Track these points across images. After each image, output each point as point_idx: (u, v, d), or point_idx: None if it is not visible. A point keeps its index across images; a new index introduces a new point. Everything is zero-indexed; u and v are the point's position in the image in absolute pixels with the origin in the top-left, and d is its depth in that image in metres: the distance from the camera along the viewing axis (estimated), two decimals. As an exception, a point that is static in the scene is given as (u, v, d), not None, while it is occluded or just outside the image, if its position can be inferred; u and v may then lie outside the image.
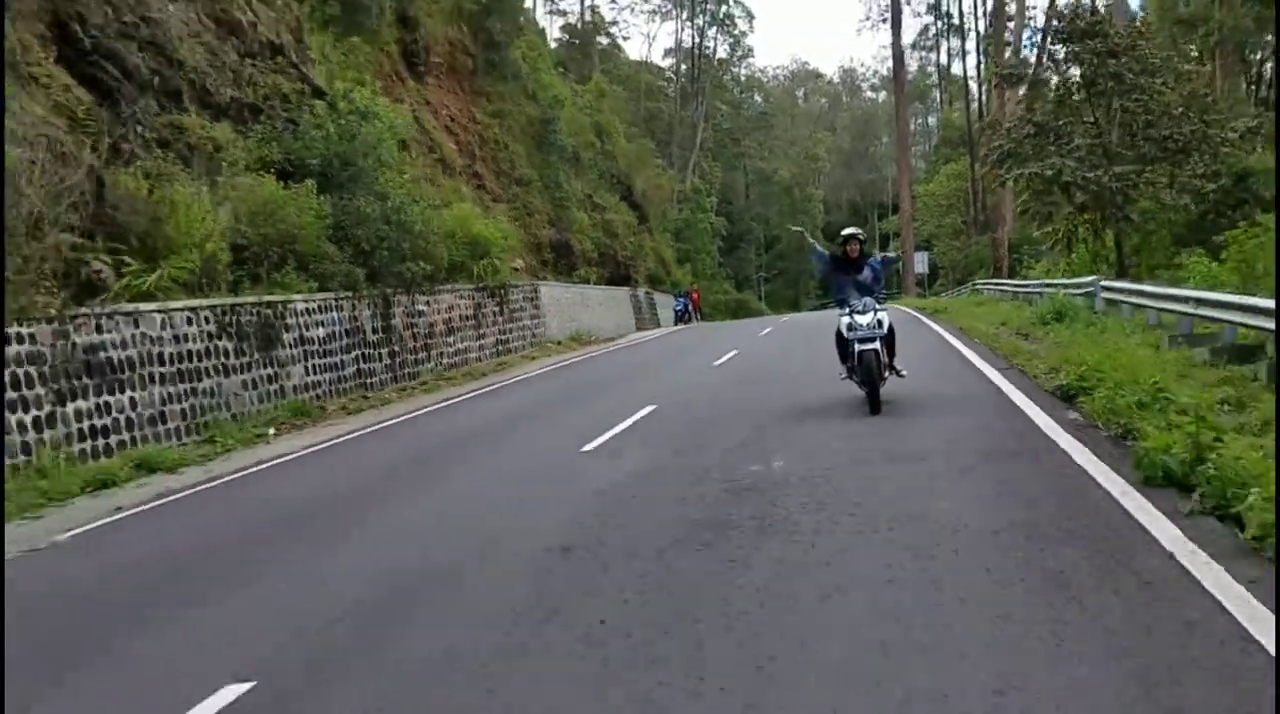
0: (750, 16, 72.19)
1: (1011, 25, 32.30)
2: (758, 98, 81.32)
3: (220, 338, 10.29)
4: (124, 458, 8.14)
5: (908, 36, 59.64)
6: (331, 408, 11.16)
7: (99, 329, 8.76)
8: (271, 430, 9.72)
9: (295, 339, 11.55)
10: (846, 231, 8.61)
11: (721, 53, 71.75)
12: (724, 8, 65.35)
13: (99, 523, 6.25)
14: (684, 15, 67.94)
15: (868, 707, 2.53)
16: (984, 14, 37.54)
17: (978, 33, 41.81)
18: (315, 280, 12.15)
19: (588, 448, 7.02)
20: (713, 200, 59.74)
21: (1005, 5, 31.38)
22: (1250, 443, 4.53)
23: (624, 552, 4.21)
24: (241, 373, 10.53)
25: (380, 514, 5.72)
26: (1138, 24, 18.00)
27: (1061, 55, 16.18)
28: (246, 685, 3.06)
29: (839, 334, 8.11)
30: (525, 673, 3.01)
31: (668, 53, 71.85)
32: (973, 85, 48.88)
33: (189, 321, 9.87)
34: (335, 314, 12.46)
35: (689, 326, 28.60)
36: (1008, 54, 29.32)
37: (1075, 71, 16.68)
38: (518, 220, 24.12)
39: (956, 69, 58.16)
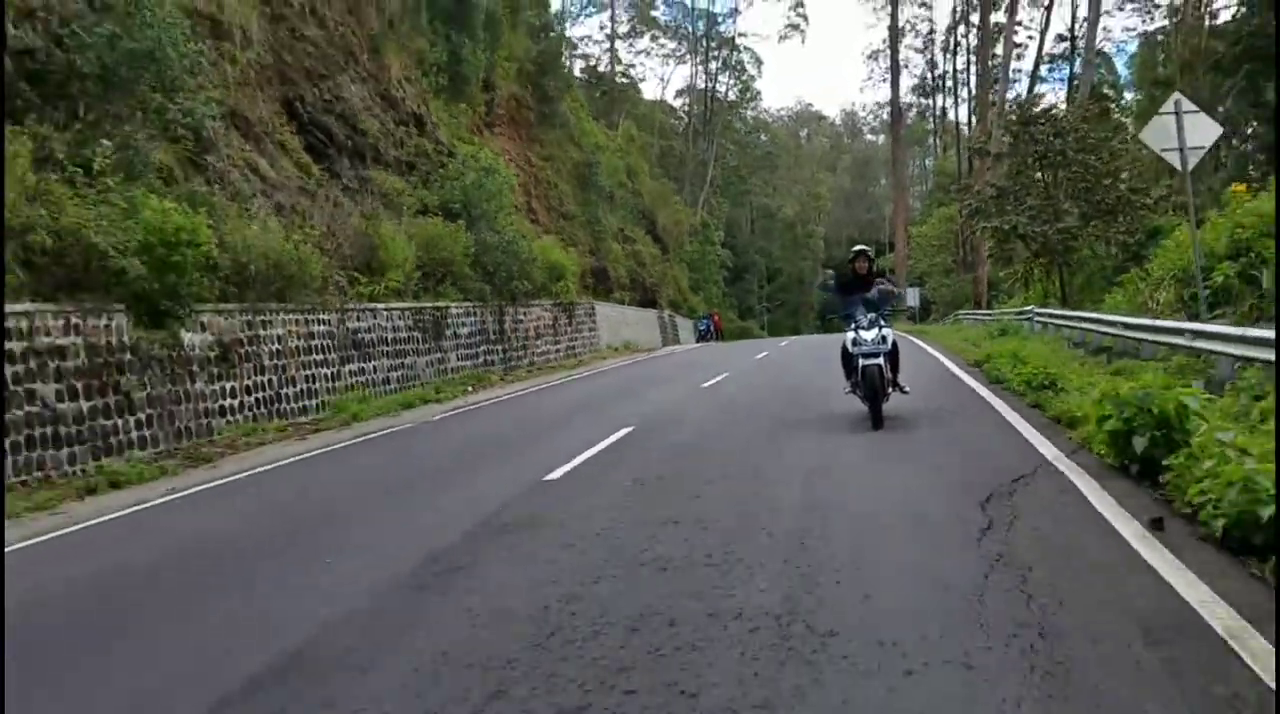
0: (759, 62, 77.74)
1: (996, 87, 37.52)
2: (763, 137, 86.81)
3: (414, 330, 15.05)
4: (388, 400, 12.84)
5: (906, 82, 64.85)
6: (494, 378, 15.91)
7: (357, 319, 13.52)
8: (469, 387, 14.45)
9: (452, 333, 16.32)
10: (855, 248, 9.05)
11: (731, 95, 76.99)
12: (735, 55, 70.88)
13: (431, 418, 10.94)
14: (698, 60, 73.36)
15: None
16: (974, 74, 42.83)
17: (969, 89, 47.12)
18: (462, 293, 16.93)
19: (667, 405, 11.71)
20: (720, 234, 64.68)
21: (991, 74, 36.62)
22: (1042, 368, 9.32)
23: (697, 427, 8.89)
24: (424, 355, 15.27)
25: (570, 423, 10.35)
26: (1084, 109, 23.04)
27: (1014, 138, 21.18)
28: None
29: (844, 349, 8.37)
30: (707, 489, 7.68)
31: (679, 93, 77.25)
32: (965, 131, 54.22)
33: (399, 317, 14.63)
34: (473, 318, 17.23)
35: (710, 344, 33.36)
36: (989, 117, 34.45)
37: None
38: (564, 250, 29.00)
39: (951, 116, 63.56)
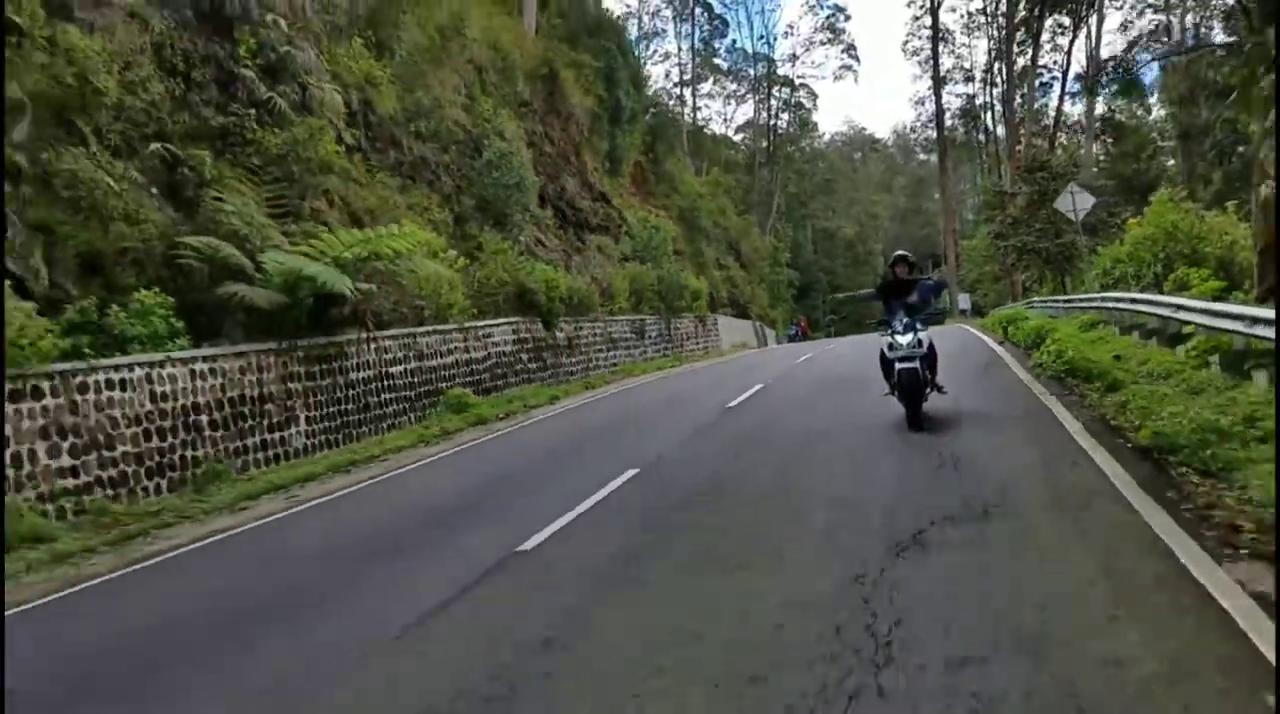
0: (814, 96, 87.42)
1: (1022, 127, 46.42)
2: (821, 164, 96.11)
3: (630, 332, 24.82)
4: (629, 368, 22.58)
5: (950, 100, 73.28)
6: (669, 362, 25.59)
7: (608, 326, 23.34)
8: (664, 366, 24.17)
9: (647, 336, 26.02)
10: (896, 253, 9.62)
11: (791, 129, 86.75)
12: (794, 95, 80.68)
13: (660, 377, 20.56)
14: (759, 99, 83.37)
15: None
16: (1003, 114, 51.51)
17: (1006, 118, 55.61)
18: (651, 310, 26.65)
19: (771, 378, 21.11)
20: (786, 255, 74.13)
21: (1017, 115, 45.52)
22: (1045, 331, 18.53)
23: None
24: (635, 347, 24.96)
25: (735, 379, 19.75)
26: (1074, 158, 32.06)
27: (1024, 182, 30.35)
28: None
29: (882, 354, 8.81)
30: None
31: (739, 129, 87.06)
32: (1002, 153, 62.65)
33: (625, 325, 24.40)
34: (657, 326, 26.91)
35: (797, 343, 42.63)
36: (1012, 158, 43.36)
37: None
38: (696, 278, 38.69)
39: (992, 137, 71.91)
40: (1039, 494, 6.01)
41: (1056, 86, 47.51)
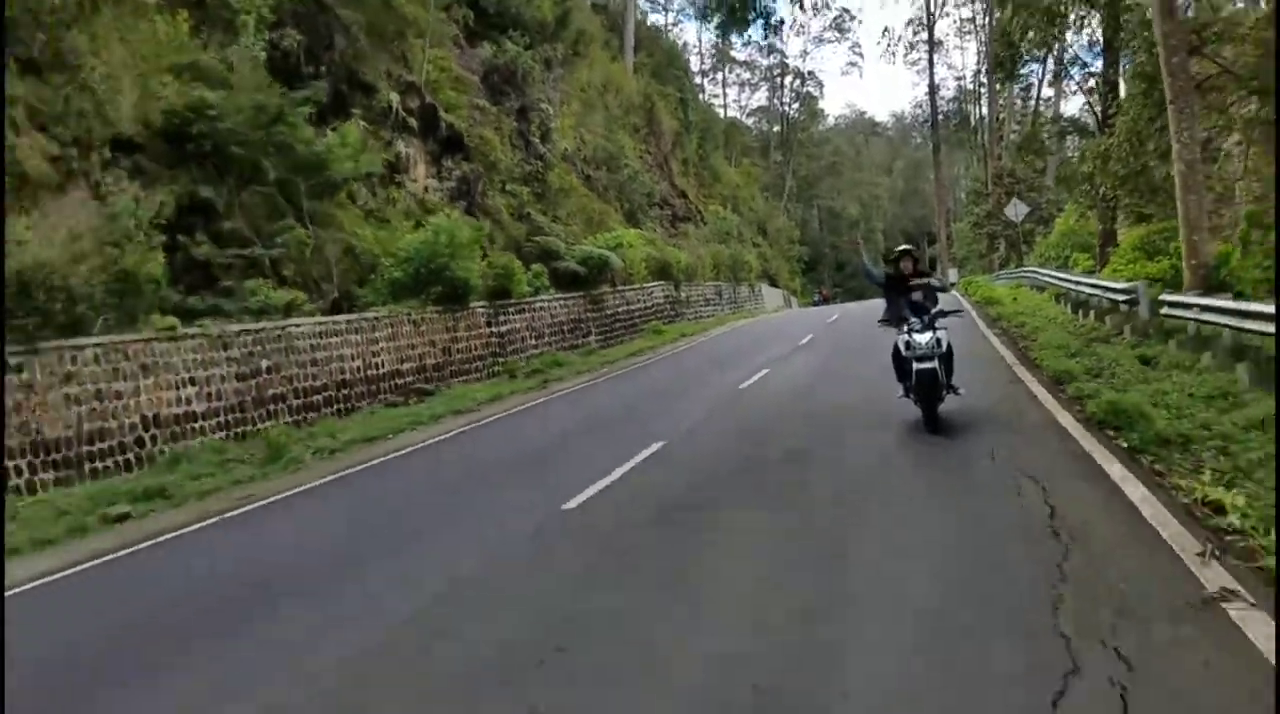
0: (820, 85, 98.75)
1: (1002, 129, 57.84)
2: (827, 148, 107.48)
3: (714, 295, 36.60)
4: (719, 319, 34.40)
5: (945, 92, 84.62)
6: (738, 317, 37.48)
7: (701, 290, 35.11)
8: (738, 318, 36.03)
9: (722, 297, 37.82)
10: (900, 248, 9.49)
11: (799, 117, 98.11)
12: (805, 88, 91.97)
13: (739, 326, 32.33)
14: (772, 90, 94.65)
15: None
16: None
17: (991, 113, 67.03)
18: (724, 280, 38.40)
19: (803, 341, 32.90)
20: (797, 233, 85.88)
21: (999, 122, 57.01)
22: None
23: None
24: (717, 306, 36.71)
25: (790, 329, 31.38)
26: (1034, 172, 43.66)
27: (994, 184, 42.05)
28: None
29: (896, 352, 8.66)
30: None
31: (750, 114, 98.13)
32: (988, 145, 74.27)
33: (710, 290, 36.16)
34: (728, 291, 38.67)
35: (822, 306, 54.44)
36: (991, 163, 54.95)
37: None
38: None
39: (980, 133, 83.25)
40: (961, 346, 17.70)
41: (1035, 88, 58.93)
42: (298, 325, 14.08)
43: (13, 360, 9.66)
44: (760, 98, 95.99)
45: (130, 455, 10.91)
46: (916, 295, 8.88)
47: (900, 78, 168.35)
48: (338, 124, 17.26)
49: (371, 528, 7.63)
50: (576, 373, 19.11)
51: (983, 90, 62.09)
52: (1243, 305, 10.09)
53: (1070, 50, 28.75)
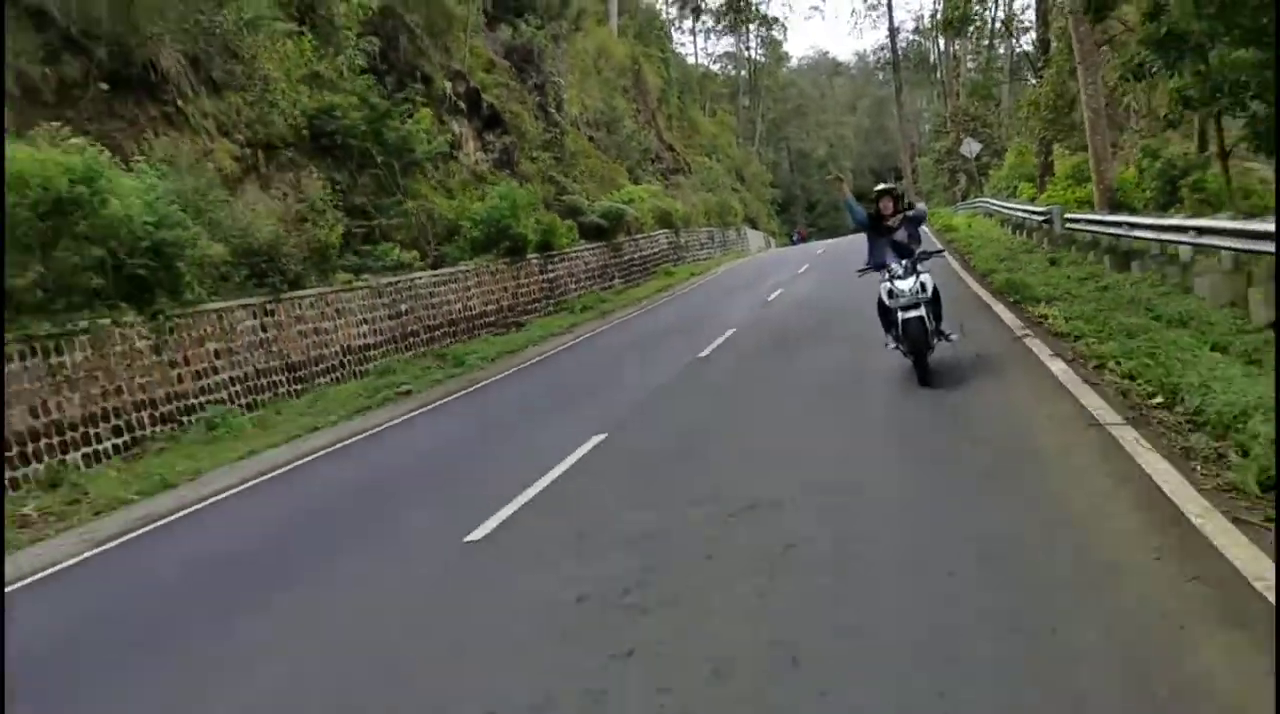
0: (784, 28, 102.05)
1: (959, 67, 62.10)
2: (793, 91, 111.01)
3: (709, 239, 41.07)
4: (717, 259, 38.96)
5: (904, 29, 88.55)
6: (727, 257, 42.04)
7: (692, 235, 39.59)
8: (730, 258, 40.59)
9: (714, 240, 42.32)
10: (879, 187, 9.02)
11: (766, 61, 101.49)
12: (770, 32, 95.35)
13: (734, 266, 36.91)
14: (740, 37, 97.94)
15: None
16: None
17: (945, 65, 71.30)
18: (714, 224, 42.87)
19: (780, 284, 37.57)
20: (769, 176, 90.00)
21: (955, 62, 61.28)
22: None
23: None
24: (709, 248, 41.21)
25: (784, 265, 36.07)
26: (989, 110, 48.10)
27: (953, 121, 46.49)
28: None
29: (880, 302, 8.29)
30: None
31: (715, 60, 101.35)
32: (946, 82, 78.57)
33: (704, 234, 40.64)
34: (717, 234, 43.18)
35: (801, 244, 59.04)
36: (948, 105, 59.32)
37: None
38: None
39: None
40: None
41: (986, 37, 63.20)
42: (419, 277, 18.47)
43: (268, 306, 14.04)
44: (727, 43, 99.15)
45: (338, 374, 15.37)
46: (900, 234, 8.45)
47: (863, 19, 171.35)
48: (412, 112, 21.35)
49: (576, 383, 12.34)
50: (623, 306, 23.67)
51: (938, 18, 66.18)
52: (1107, 217, 14.82)
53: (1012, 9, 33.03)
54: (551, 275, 24.35)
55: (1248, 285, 8.74)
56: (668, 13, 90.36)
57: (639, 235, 31.23)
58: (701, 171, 44.98)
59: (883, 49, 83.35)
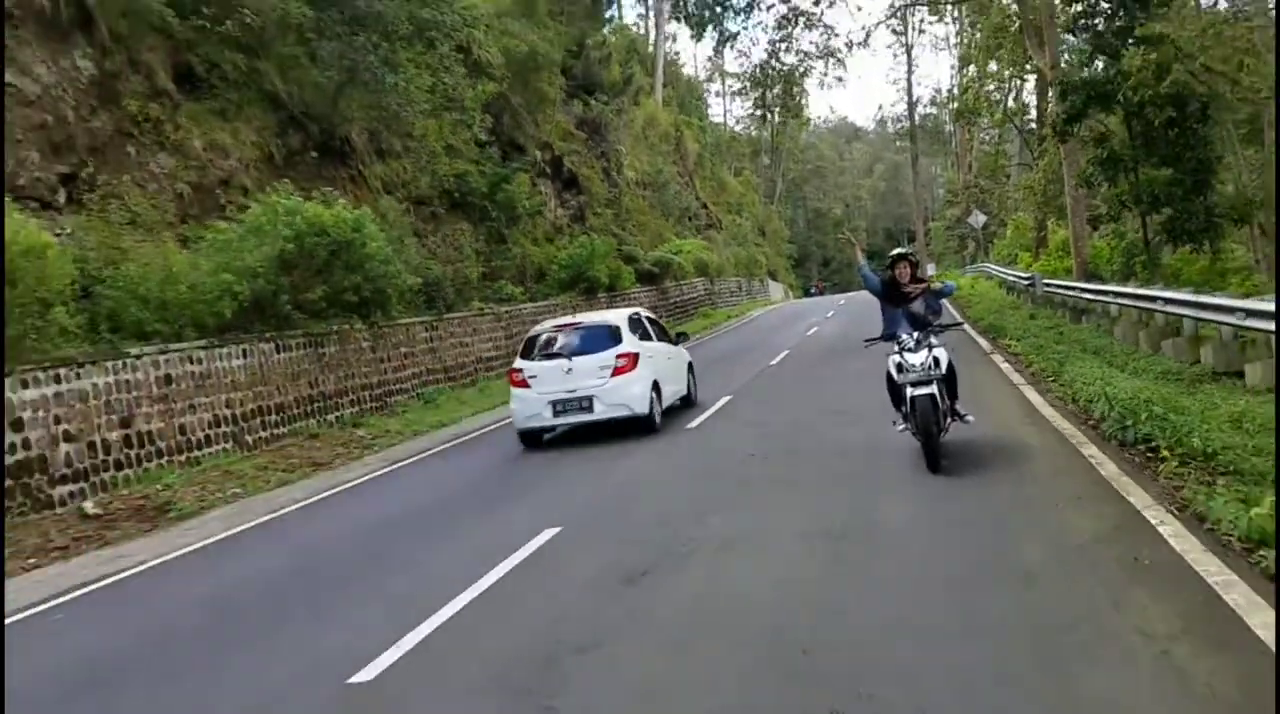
0: (805, 93, 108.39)
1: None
2: (812, 153, 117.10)
3: (735, 288, 45.94)
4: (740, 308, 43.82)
5: (922, 95, 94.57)
6: (751, 307, 46.94)
7: (721, 286, 44.50)
8: (753, 308, 45.45)
9: (741, 290, 47.15)
10: (895, 252, 8.38)
11: (785, 121, 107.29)
12: (795, 100, 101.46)
13: (756, 316, 41.76)
14: (764, 101, 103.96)
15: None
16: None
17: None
18: (741, 276, 47.78)
19: (812, 330, 42.43)
20: (787, 233, 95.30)
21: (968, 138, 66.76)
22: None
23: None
24: (736, 297, 46.05)
25: (769, 334, 40.84)
26: (1004, 189, 53.37)
27: (965, 192, 51.63)
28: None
29: (889, 377, 7.75)
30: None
31: (738, 120, 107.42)
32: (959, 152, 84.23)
33: (733, 284, 45.55)
34: (744, 286, 48.03)
35: (818, 296, 63.94)
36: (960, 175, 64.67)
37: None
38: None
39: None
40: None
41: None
42: (524, 307, 23.23)
43: (434, 323, 18.74)
44: (750, 104, 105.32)
45: (473, 377, 20.02)
46: (917, 305, 7.92)
47: (882, 75, 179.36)
48: (512, 177, 26.29)
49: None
50: (694, 334, 28.54)
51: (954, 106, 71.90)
52: (1072, 284, 19.52)
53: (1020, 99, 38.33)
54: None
55: (1142, 328, 13.36)
56: (697, 75, 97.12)
57: (682, 282, 36.07)
58: (731, 227, 50.09)
59: (900, 121, 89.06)
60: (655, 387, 11.89)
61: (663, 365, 12.61)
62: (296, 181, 18.08)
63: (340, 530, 8.40)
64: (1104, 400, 7.88)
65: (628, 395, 11.35)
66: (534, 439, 11.77)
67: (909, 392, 7.35)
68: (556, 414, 11.45)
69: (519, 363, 12.15)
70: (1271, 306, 8.35)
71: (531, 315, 23.62)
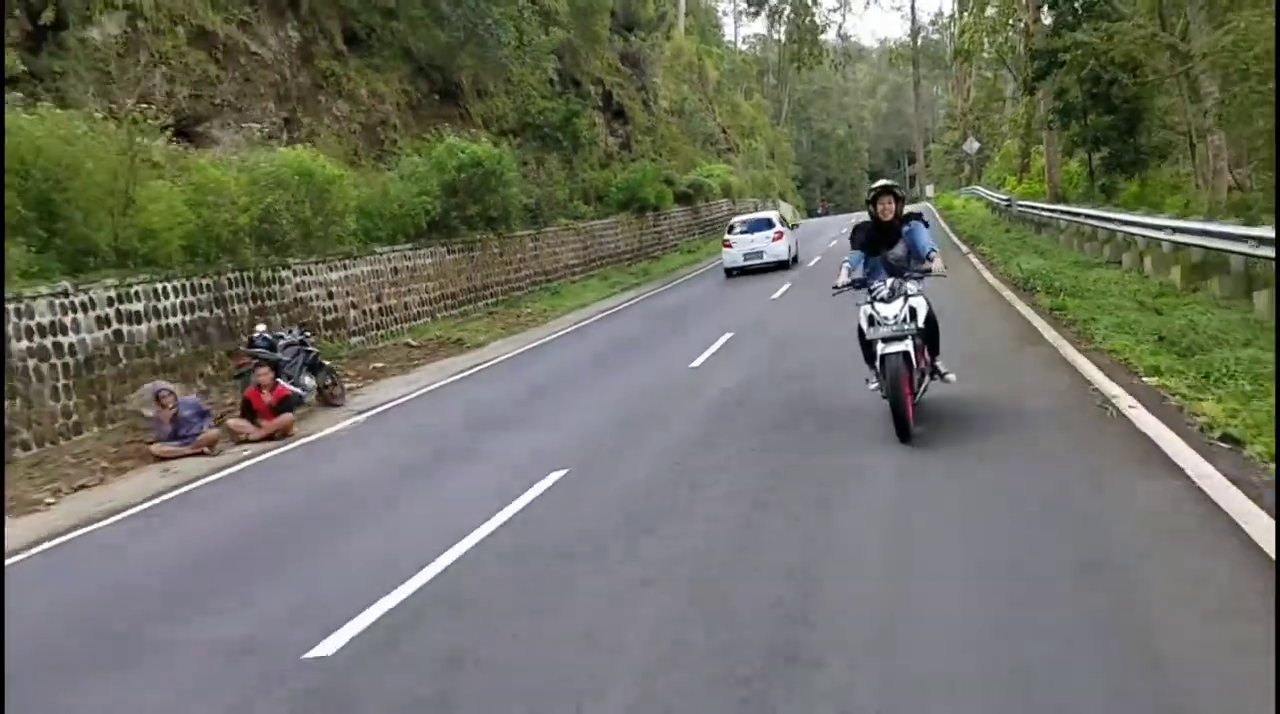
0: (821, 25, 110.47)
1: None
2: (816, 74, 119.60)
3: (752, 207, 50.97)
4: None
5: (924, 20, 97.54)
6: None
7: (740, 207, 49.50)
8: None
9: (769, 203, 52.19)
10: (879, 184, 7.23)
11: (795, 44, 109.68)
12: (806, 19, 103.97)
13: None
14: (774, 25, 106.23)
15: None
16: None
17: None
18: (763, 195, 52.65)
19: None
20: (793, 155, 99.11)
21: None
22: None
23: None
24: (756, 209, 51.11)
25: (822, 232, 45.86)
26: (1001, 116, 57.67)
27: (964, 118, 56.09)
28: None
29: (860, 332, 6.83)
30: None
31: (745, 40, 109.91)
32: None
33: (750, 206, 50.58)
34: (762, 202, 53.01)
35: (824, 217, 68.72)
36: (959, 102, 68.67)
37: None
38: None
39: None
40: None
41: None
42: (593, 223, 28.38)
43: (534, 236, 23.93)
44: (759, 25, 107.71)
45: (562, 279, 25.29)
46: (898, 249, 6.89)
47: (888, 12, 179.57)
48: (580, 111, 30.99)
49: (736, 282, 22.36)
50: (715, 252, 33.60)
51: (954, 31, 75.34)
52: (1035, 204, 24.72)
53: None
54: (661, 228, 34.26)
55: (1074, 236, 18.65)
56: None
57: (710, 202, 41.01)
58: (747, 151, 54.63)
59: (902, 45, 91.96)
60: (790, 248, 24.41)
61: (790, 238, 25.41)
62: (423, 120, 23.06)
63: (596, 344, 14.29)
64: (1020, 271, 13.37)
65: (780, 250, 24.00)
66: (732, 274, 23.69)
67: (879, 348, 6.46)
68: (746, 259, 23.87)
69: (727, 237, 25.13)
70: (1123, 214, 13.85)
71: (600, 230, 28.82)
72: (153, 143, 12.03)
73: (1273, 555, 3.80)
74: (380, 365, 13.44)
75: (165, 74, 16.16)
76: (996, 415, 6.76)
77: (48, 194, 10.89)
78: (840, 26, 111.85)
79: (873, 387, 6.90)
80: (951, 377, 6.92)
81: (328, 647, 4.33)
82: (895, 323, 6.39)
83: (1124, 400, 6.49)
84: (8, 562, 6.54)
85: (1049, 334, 9.62)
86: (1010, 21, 35.42)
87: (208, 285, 12.47)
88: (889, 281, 6.60)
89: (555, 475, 6.73)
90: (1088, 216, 16.84)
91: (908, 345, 6.35)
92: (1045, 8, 22.24)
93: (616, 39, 39.47)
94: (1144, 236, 13.20)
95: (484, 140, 25.62)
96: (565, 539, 5.40)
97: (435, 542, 5.53)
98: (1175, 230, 11.44)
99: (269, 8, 19.03)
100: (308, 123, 19.57)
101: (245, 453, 9.23)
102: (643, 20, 40.35)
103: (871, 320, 6.56)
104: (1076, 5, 19.64)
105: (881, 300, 6.54)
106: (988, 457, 5.85)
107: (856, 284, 6.84)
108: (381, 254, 16.95)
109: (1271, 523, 4.09)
